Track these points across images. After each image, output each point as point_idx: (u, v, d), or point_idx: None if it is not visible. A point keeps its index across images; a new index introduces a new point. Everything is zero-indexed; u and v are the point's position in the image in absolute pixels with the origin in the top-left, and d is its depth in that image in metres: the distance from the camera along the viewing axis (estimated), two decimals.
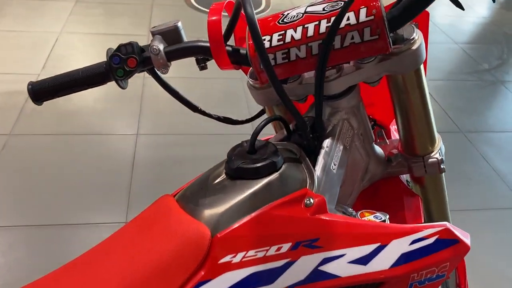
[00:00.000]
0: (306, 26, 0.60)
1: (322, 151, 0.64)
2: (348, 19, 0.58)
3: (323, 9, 0.61)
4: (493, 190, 2.20)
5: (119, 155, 2.17)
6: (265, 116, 0.77)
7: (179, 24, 0.69)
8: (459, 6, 0.64)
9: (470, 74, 3.18)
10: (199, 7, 3.64)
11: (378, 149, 0.78)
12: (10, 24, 3.10)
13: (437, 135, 0.77)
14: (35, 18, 3.24)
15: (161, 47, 0.67)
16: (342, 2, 0.60)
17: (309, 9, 0.62)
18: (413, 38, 0.63)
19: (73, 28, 3.14)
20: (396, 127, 0.80)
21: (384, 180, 0.80)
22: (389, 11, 0.61)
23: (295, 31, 0.60)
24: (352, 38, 0.59)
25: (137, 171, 2.09)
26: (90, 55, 2.91)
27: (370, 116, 0.82)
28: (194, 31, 3.34)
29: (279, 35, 0.61)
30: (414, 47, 0.63)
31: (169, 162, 2.17)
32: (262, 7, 3.78)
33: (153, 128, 2.39)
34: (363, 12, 0.58)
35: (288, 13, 0.63)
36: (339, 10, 0.59)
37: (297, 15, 0.62)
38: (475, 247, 1.97)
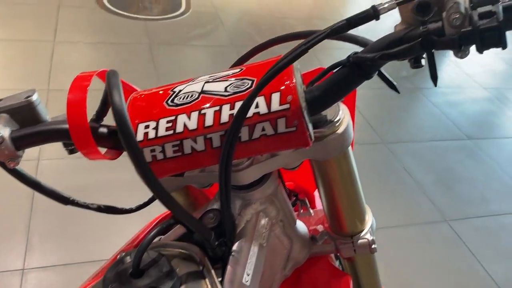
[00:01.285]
0: (203, 112, 0.47)
1: (232, 259, 0.51)
2: (257, 106, 0.45)
3: (225, 90, 0.47)
4: (416, 204, 2.21)
5: None
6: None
7: (35, 97, 0.51)
8: (394, 88, 0.54)
9: None
10: (113, 8, 3.36)
11: (301, 228, 0.67)
12: None
13: (367, 210, 0.68)
14: None
15: (6, 132, 0.49)
16: (249, 82, 0.47)
17: (207, 86, 0.48)
18: (339, 119, 0.52)
19: None
20: None
21: (309, 260, 0.69)
22: (309, 89, 0.49)
23: (189, 118, 0.47)
24: (263, 129, 0.46)
25: None
26: None
27: (290, 189, 0.71)
28: (106, 36, 3.09)
29: (168, 122, 0.47)
30: (339, 131, 0.52)
31: None
32: (182, 9, 3.59)
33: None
34: (275, 98, 0.45)
35: (180, 89, 0.49)
36: (245, 93, 0.46)
37: (192, 95, 0.48)
38: (400, 265, 1.97)
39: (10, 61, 2.65)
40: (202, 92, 0.48)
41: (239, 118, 0.44)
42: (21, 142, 0.49)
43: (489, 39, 0.42)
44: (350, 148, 0.57)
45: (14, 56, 2.69)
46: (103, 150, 0.53)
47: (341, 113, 0.53)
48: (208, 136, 0.46)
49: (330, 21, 0.47)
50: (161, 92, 0.50)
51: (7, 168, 0.53)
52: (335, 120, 0.52)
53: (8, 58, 2.68)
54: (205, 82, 0.49)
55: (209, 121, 0.46)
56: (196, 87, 0.49)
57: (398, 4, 0.43)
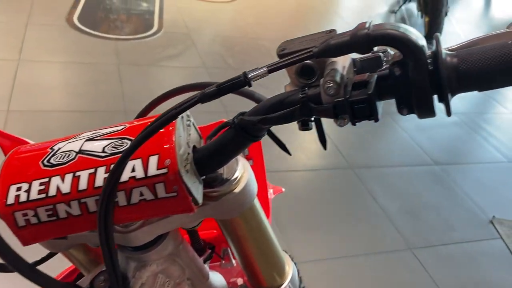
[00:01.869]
0: (77, 174, 0.43)
1: None
2: (133, 170, 0.42)
3: (103, 150, 0.44)
4: (380, 231, 2.19)
5: None
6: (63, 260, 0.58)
7: None
8: (285, 150, 0.51)
9: None
10: (83, 27, 3.32)
11: (217, 282, 0.63)
12: None
13: (286, 260, 0.64)
14: None
15: None
16: (128, 142, 0.44)
17: (86, 145, 0.45)
18: (236, 178, 0.49)
19: None
20: None
21: None
22: (199, 149, 0.46)
23: (63, 181, 0.43)
24: (142, 194, 0.42)
25: None
26: None
27: (206, 241, 0.67)
28: (75, 55, 3.04)
29: (40, 184, 0.43)
30: (237, 190, 0.49)
31: None
32: (154, 29, 3.56)
33: None
34: (153, 161, 0.42)
35: (59, 147, 0.46)
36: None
37: (69, 154, 0.44)
38: None
39: None
40: (80, 152, 0.44)
41: (109, 184, 0.41)
42: None
43: (359, 111, 0.39)
44: (256, 200, 0.54)
45: None
46: None
47: (239, 170, 0.50)
48: (82, 200, 0.43)
49: None
50: (40, 149, 0.46)
51: None
52: (232, 178, 0.49)
53: None
54: (86, 140, 0.46)
55: (83, 184, 0.42)
56: (75, 145, 0.45)
57: (270, 72, 0.41)
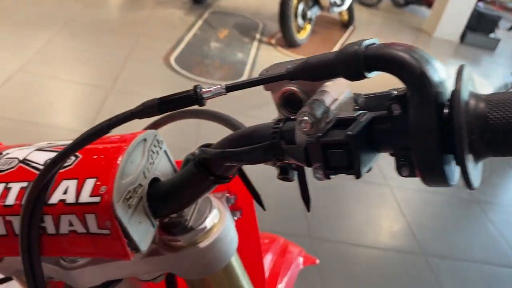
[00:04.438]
0: (9, 185, 0.35)
1: None
2: (65, 192, 0.33)
3: (45, 162, 0.35)
4: None
5: None
6: None
7: None
8: (259, 203, 0.40)
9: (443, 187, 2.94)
10: (178, 68, 3.47)
11: None
12: None
13: None
14: None
15: None
16: (73, 158, 0.35)
17: (32, 155, 0.37)
18: (203, 227, 0.38)
19: (33, 69, 2.94)
20: None
21: None
22: (157, 184, 0.36)
23: None
24: (71, 224, 0.33)
25: None
26: (39, 99, 2.68)
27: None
28: (162, 92, 3.18)
29: None
30: (203, 244, 0.37)
31: None
32: (243, 79, 3.62)
33: None
34: (88, 186, 0.33)
35: (8, 153, 0.38)
36: (63, 170, 0.34)
37: (12, 162, 0.37)
38: None
39: (62, 100, 2.76)
40: (23, 161, 0.36)
41: (29, 202, 0.32)
42: None
43: (334, 158, 0.27)
44: (235, 260, 0.41)
45: (68, 97, 2.80)
46: None
47: (210, 219, 0.38)
48: (7, 218, 0.34)
49: None
50: None
51: None
52: (198, 227, 0.38)
53: (61, 97, 2.79)
54: (36, 150, 0.38)
55: (10, 199, 0.34)
56: (22, 153, 0.37)
57: (228, 90, 0.30)
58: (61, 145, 0.38)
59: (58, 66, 3.08)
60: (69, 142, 0.39)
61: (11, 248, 0.35)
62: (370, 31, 6.04)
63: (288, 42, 4.39)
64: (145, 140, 0.37)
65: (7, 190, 0.35)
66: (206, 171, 0.33)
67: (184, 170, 0.35)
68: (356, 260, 2.17)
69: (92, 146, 0.36)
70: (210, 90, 0.30)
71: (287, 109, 0.33)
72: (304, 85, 0.31)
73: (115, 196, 0.32)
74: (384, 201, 2.64)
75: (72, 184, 0.33)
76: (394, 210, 2.56)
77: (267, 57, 4.19)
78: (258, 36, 4.67)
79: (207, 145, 0.34)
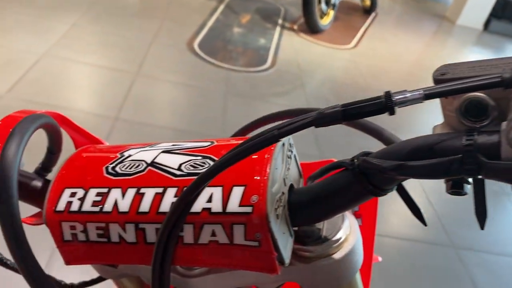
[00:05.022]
0: (142, 191, 0.33)
1: None
2: (209, 200, 0.30)
3: (179, 168, 0.33)
4: None
5: None
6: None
7: None
8: (420, 218, 0.37)
9: None
10: (201, 53, 3.44)
11: None
12: None
13: None
14: (21, 33, 3.04)
15: None
16: (211, 163, 0.33)
17: (161, 158, 0.35)
18: (339, 239, 0.35)
19: (59, 52, 2.93)
20: None
21: None
22: (298, 190, 0.33)
23: (123, 196, 0.33)
24: (214, 234, 0.31)
25: None
26: (67, 83, 2.67)
27: None
28: (187, 78, 3.15)
29: (97, 194, 0.34)
30: (337, 255, 0.35)
31: None
32: (266, 65, 3.58)
33: None
34: (236, 194, 0.30)
35: (130, 154, 0.36)
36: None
37: (139, 165, 0.34)
38: None
39: (89, 85, 2.76)
40: (152, 164, 0.34)
41: (175, 212, 0.29)
42: None
43: None
44: (358, 275, 0.39)
45: (95, 81, 2.79)
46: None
47: (344, 230, 0.36)
48: (140, 226, 0.32)
49: None
50: (108, 152, 0.37)
51: None
52: (333, 238, 0.35)
53: (88, 81, 2.78)
54: (162, 152, 0.35)
55: (145, 205, 0.32)
56: (148, 155, 0.35)
57: (427, 97, 0.27)
58: (189, 148, 0.35)
59: (84, 50, 3.06)
60: (198, 144, 0.36)
61: (139, 257, 0.34)
62: (392, 18, 5.93)
63: (311, 28, 4.32)
64: (283, 144, 0.35)
65: (139, 196, 0.32)
66: (367, 181, 0.31)
67: (337, 178, 0.32)
68: (384, 252, 2.15)
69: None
70: (405, 97, 0.27)
71: (469, 118, 0.29)
72: (497, 91, 0.28)
73: (269, 206, 0.30)
74: (410, 190, 2.60)
75: (216, 191, 0.31)
76: (421, 199, 2.53)
77: (290, 43, 4.14)
78: (280, 21, 4.61)
79: (367, 153, 0.32)
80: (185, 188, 0.32)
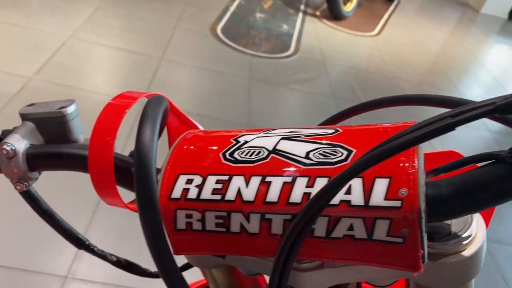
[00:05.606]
0: (268, 179, 0.31)
1: None
2: (348, 191, 0.28)
3: (307, 156, 0.31)
4: None
5: None
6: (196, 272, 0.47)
7: (71, 108, 0.40)
8: None
9: None
10: (224, 38, 3.41)
11: None
12: (16, 18, 2.90)
13: None
14: (47, 16, 3.03)
15: (21, 145, 0.37)
16: (344, 153, 0.30)
17: (283, 144, 0.33)
18: (469, 236, 0.33)
19: (84, 36, 2.92)
20: None
21: None
22: (434, 183, 0.31)
23: (247, 184, 0.31)
24: (351, 228, 0.29)
25: None
26: (93, 67, 2.67)
27: None
28: (211, 63, 3.12)
29: (218, 182, 0.32)
30: (466, 253, 0.33)
31: None
32: (290, 52, 3.54)
33: None
34: (380, 187, 0.28)
35: (246, 140, 0.34)
36: (335, 167, 0.29)
37: (260, 152, 0.32)
38: None
39: (115, 69, 2.75)
40: (274, 151, 0.32)
41: (314, 206, 0.27)
42: (35, 161, 0.38)
43: None
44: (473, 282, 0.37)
45: (120, 65, 2.78)
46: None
47: (473, 227, 0.34)
48: (267, 216, 0.30)
49: (443, 91, 0.29)
50: (220, 138, 0.35)
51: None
52: (463, 235, 0.33)
53: (114, 65, 2.77)
54: (282, 138, 0.33)
55: (273, 195, 0.30)
56: (268, 141, 0.33)
57: None
58: (311, 135, 0.33)
59: (108, 33, 3.05)
60: (318, 131, 0.34)
61: (257, 249, 0.32)
62: (415, 5, 5.82)
63: (334, 14, 4.26)
64: None
65: (265, 184, 0.31)
66: None
67: (487, 170, 0.30)
68: None
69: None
70: None
71: None
72: None
73: (420, 201, 0.28)
74: None
75: (356, 183, 0.29)
76: None
77: (312, 29, 4.08)
78: (302, 7, 4.55)
79: None
80: (318, 177, 0.30)
